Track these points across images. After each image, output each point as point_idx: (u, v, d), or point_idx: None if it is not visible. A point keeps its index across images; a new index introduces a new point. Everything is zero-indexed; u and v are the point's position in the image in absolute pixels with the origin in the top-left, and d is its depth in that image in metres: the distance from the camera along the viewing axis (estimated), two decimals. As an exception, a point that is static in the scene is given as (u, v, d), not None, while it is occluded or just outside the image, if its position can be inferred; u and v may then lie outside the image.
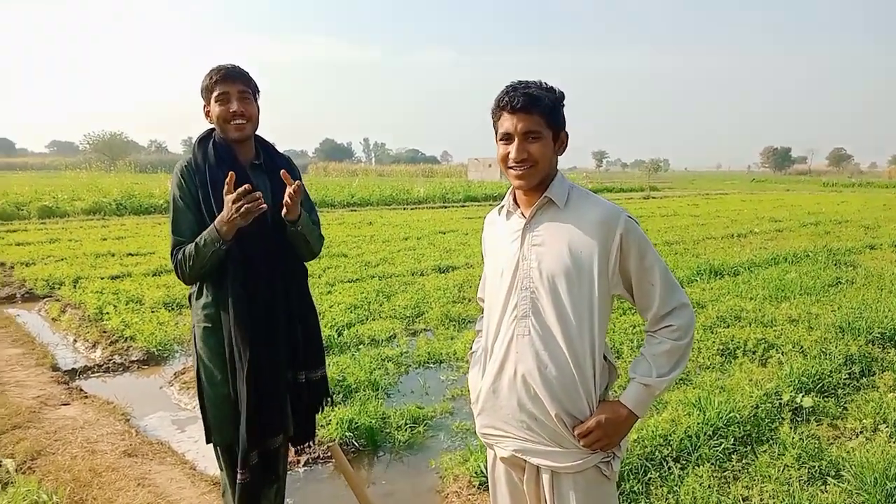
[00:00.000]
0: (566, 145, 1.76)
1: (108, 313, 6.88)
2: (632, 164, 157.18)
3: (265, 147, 2.51)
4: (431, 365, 5.59)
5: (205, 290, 2.38)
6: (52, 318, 7.22)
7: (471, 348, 2.10)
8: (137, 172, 42.17)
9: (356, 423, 4.01)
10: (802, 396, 4.38)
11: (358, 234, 14.61)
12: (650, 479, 3.34)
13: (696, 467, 3.45)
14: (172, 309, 7.36)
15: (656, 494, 3.21)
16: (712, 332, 6.10)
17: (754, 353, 5.51)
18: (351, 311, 6.99)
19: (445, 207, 24.17)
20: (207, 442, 2.46)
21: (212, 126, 2.42)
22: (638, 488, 3.26)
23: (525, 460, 1.78)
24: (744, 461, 3.58)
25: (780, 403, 4.29)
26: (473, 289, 8.15)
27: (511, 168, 1.71)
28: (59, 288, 8.41)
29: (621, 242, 1.67)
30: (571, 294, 1.68)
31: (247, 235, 2.28)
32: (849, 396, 4.56)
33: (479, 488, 3.30)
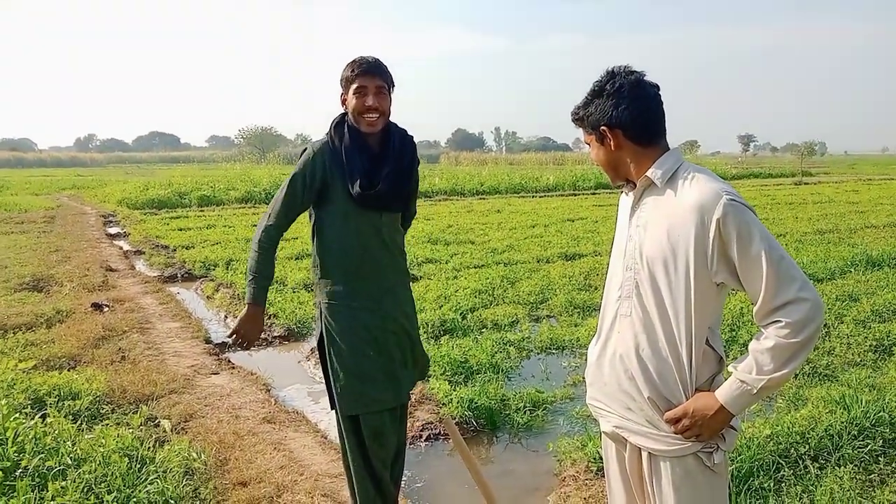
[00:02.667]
0: (610, 137, 1.71)
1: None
2: (783, 147, 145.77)
3: (395, 133, 2.61)
4: (554, 351, 5.56)
5: (328, 270, 2.54)
6: (207, 296, 7.93)
7: None
8: (285, 164, 44.99)
9: (476, 402, 4.10)
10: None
11: (486, 221, 14.73)
12: (783, 476, 3.14)
13: (837, 468, 3.20)
14: (311, 290, 7.84)
15: (789, 493, 3.02)
16: (865, 327, 5.59)
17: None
18: (476, 296, 7.09)
19: (575, 195, 23.73)
20: (332, 409, 2.62)
21: (344, 111, 2.57)
22: (768, 485, 3.07)
23: (625, 438, 1.76)
24: (893, 465, 3.27)
25: (943, 406, 3.86)
26: (600, 277, 7.98)
27: None
28: (214, 269, 9.20)
29: (719, 229, 1.54)
30: (668, 280, 1.62)
31: (361, 230, 2.47)
32: None
33: (596, 474, 3.26)
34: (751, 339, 1.63)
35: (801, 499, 2.97)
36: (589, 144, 1.76)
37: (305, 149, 2.59)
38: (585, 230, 12.67)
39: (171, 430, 3.75)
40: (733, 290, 1.62)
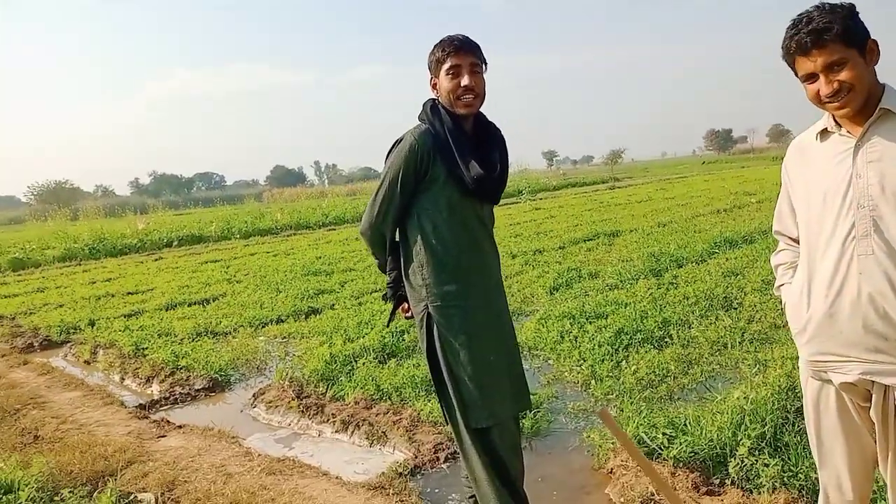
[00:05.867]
0: (878, 52, 1.72)
1: (146, 348, 6.63)
2: (581, 160, 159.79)
3: (485, 118, 2.46)
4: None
5: (437, 268, 2.30)
6: (85, 361, 6.90)
7: (779, 283, 2.07)
8: (89, 218, 40.80)
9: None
10: None
11: (344, 250, 14.45)
12: None
13: None
14: (211, 336, 7.15)
15: None
16: (764, 295, 6.19)
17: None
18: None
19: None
20: (474, 427, 2.33)
21: (432, 98, 2.36)
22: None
23: (873, 382, 1.75)
24: None
25: None
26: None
27: (827, 103, 1.71)
28: (76, 332, 8.06)
29: None
30: None
31: (467, 220, 2.33)
32: None
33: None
34: None
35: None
36: (840, 63, 1.67)
37: (400, 139, 2.34)
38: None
39: (160, 503, 3.17)
40: None
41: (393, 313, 2.60)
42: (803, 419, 3.43)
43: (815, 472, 2.85)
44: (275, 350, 6.57)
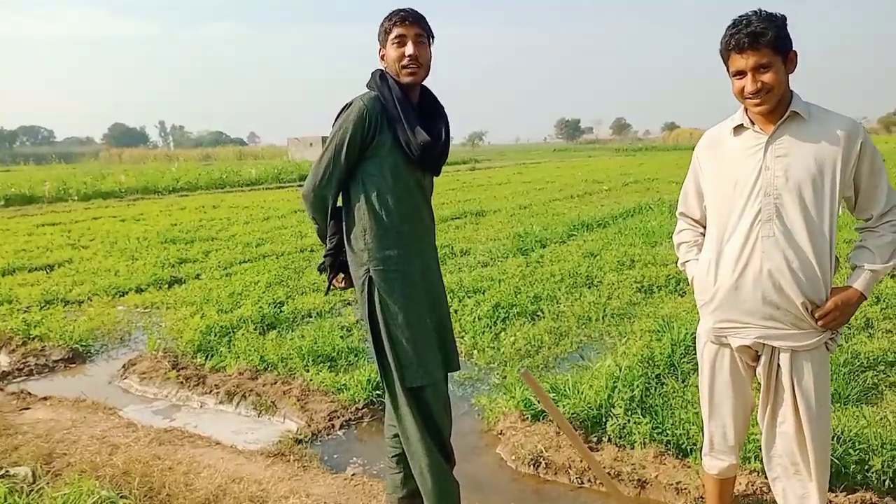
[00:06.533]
0: (796, 62, 1.99)
1: (-13, 316, 6.00)
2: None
3: (426, 92, 2.51)
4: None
5: (380, 233, 2.35)
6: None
7: (683, 260, 2.35)
8: None
9: (376, 380, 4.03)
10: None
11: (210, 216, 13.81)
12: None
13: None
14: (62, 304, 6.60)
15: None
16: (621, 274, 6.78)
17: (668, 288, 6.28)
18: (276, 288, 6.79)
19: (283, 188, 23.43)
20: (409, 386, 2.41)
21: (380, 69, 2.39)
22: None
23: (763, 345, 2.06)
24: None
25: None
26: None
27: (749, 99, 1.97)
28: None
29: (861, 150, 1.96)
30: (816, 198, 1.96)
31: (410, 187, 2.42)
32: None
33: (531, 420, 3.53)
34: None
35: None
36: (766, 66, 1.92)
37: (349, 104, 2.34)
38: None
39: (38, 476, 2.96)
40: None
41: (330, 283, 2.61)
42: (664, 385, 3.92)
43: (680, 429, 3.30)
44: (138, 320, 6.22)
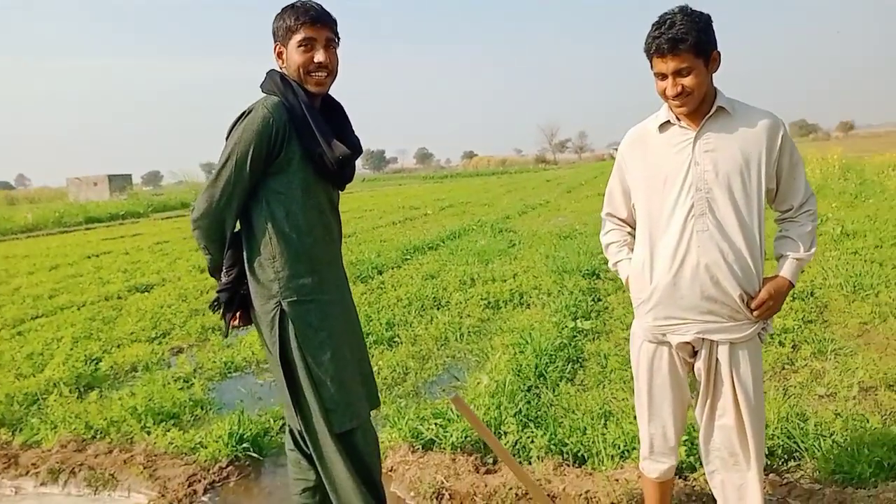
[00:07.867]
0: (719, 62, 1.98)
1: None
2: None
3: (328, 99, 2.21)
4: (233, 374, 5.09)
5: (293, 259, 2.00)
6: None
7: (613, 261, 2.29)
8: None
9: (240, 433, 3.55)
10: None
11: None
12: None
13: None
14: None
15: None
16: (467, 293, 6.81)
17: (513, 302, 6.40)
18: (85, 342, 5.86)
19: (67, 232, 20.84)
20: (338, 431, 2.07)
21: (278, 70, 2.04)
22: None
23: (702, 340, 2.03)
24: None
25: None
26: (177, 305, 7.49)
27: (670, 100, 1.95)
28: None
29: (782, 143, 1.99)
30: (744, 190, 1.96)
31: (322, 205, 2.14)
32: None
33: (423, 450, 3.30)
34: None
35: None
36: (686, 70, 1.88)
37: (248, 111, 1.95)
38: (126, 263, 11.43)
39: None
40: None
41: (228, 322, 2.19)
42: (539, 396, 3.90)
43: (573, 437, 3.26)
44: None
